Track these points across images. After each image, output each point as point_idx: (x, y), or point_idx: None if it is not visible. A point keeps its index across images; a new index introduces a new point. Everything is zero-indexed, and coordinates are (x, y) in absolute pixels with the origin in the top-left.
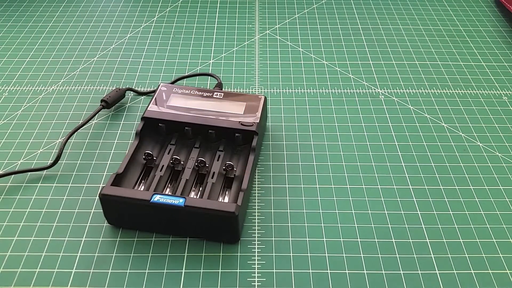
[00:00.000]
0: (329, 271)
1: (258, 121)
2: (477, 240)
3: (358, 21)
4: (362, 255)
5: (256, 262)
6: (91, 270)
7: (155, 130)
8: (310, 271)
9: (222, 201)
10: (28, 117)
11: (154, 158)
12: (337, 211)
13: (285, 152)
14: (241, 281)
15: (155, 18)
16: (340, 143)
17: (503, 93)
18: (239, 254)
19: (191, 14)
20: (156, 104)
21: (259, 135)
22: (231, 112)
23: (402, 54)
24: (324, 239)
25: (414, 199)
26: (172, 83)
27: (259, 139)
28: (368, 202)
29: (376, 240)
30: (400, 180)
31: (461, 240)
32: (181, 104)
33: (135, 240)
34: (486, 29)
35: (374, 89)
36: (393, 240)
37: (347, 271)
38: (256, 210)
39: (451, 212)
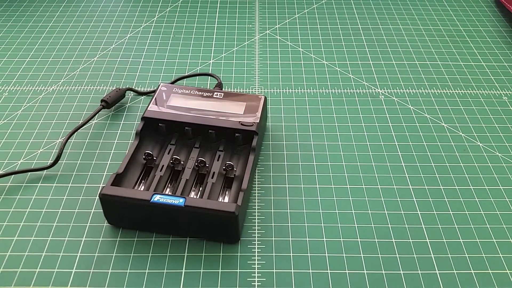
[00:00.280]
0: (329, 271)
1: (258, 121)
2: (477, 240)
3: (358, 21)
4: (362, 255)
5: (256, 262)
6: (91, 270)
7: (155, 130)
8: (310, 271)
9: (222, 201)
10: (28, 117)
11: (154, 158)
12: (337, 211)
13: (285, 152)
14: (241, 281)
15: (155, 18)
16: (340, 143)
17: (503, 93)
18: (239, 254)
19: (191, 14)
20: (156, 104)
21: (259, 135)
22: (231, 112)
23: (402, 54)
24: (324, 239)
25: (414, 199)
26: (172, 83)
27: (259, 139)
28: (368, 202)
29: (376, 240)
30: (400, 180)
31: (461, 240)
32: (181, 104)
33: (135, 240)
34: (486, 29)
35: (374, 89)
36: (393, 240)
37: (347, 271)
38: (256, 210)
39: (451, 212)
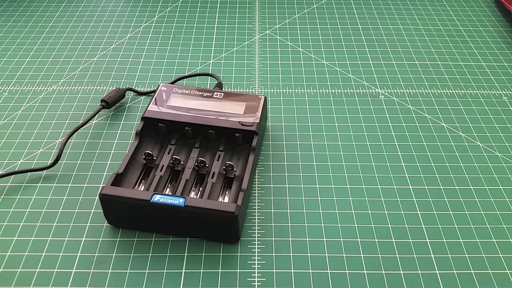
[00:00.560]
0: (329, 271)
1: (258, 121)
2: (477, 240)
3: (358, 21)
4: (362, 255)
5: (256, 262)
6: (91, 270)
7: (155, 130)
8: (310, 271)
9: (222, 201)
10: (28, 117)
11: (154, 158)
12: (337, 211)
13: (285, 152)
14: (241, 281)
15: (155, 18)
16: (340, 143)
17: (503, 93)
18: (239, 254)
19: (191, 14)
20: (156, 104)
21: (259, 135)
22: (231, 112)
23: (402, 54)
24: (324, 239)
25: (414, 199)
26: (172, 83)
27: (259, 139)
28: (368, 202)
29: (376, 240)
30: (400, 180)
31: (461, 240)
32: (181, 104)
33: (135, 240)
34: (486, 29)
35: (374, 89)
36: (393, 240)
37: (347, 271)
38: (256, 210)
39: (451, 212)
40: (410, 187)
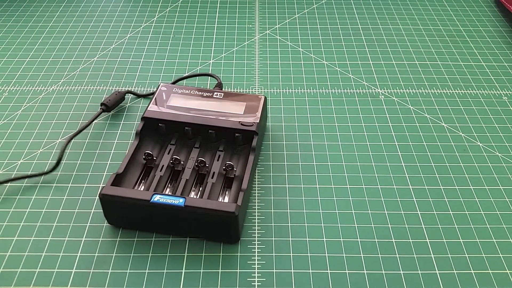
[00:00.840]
0: (329, 271)
1: (258, 121)
2: (477, 240)
3: (358, 21)
4: (362, 255)
5: (256, 262)
6: (91, 270)
7: (155, 130)
8: (310, 271)
9: (222, 201)
10: (28, 117)
11: (154, 158)
12: (337, 211)
13: (285, 152)
14: (241, 281)
15: (155, 18)
16: (340, 143)
17: (503, 93)
18: (239, 254)
19: (191, 14)
20: (156, 104)
21: (259, 135)
22: (231, 112)
23: (402, 54)
24: (324, 239)
25: (414, 199)
26: (172, 83)
27: (259, 139)
28: (368, 202)
29: (376, 240)
30: (400, 180)
31: (461, 240)
32: (181, 104)
33: (135, 240)
34: (486, 29)
35: (374, 89)
36: (393, 240)
37: (347, 271)
38: (256, 210)
39: (451, 212)
40: (410, 187)
